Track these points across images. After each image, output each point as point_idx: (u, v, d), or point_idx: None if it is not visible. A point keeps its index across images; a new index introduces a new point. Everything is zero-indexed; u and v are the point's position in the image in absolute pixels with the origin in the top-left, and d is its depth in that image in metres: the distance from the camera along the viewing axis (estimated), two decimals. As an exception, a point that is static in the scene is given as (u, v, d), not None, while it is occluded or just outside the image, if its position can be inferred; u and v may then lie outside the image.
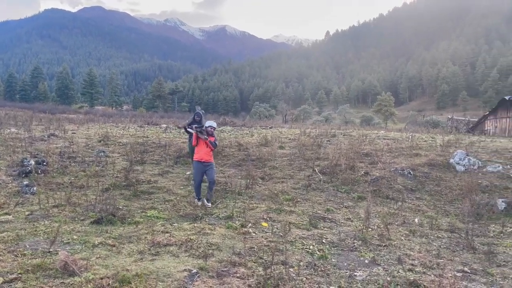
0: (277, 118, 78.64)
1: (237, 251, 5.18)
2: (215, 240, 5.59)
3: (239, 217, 6.91)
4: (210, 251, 5.12)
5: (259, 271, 4.55)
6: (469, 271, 5.04)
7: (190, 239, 5.53)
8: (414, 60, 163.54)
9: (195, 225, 6.36)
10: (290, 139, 16.17)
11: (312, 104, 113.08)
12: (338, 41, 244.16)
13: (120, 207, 7.18)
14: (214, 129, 8.24)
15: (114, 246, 5.15)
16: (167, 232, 5.83)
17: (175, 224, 6.38)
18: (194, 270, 4.40)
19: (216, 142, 8.31)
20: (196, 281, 4.15)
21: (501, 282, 4.69)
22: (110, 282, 3.82)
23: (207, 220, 6.74)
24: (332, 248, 5.64)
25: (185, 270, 4.39)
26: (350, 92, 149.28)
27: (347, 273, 4.72)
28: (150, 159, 12.41)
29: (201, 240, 5.53)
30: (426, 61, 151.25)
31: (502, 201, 8.29)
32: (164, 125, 25.61)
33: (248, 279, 4.30)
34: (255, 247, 5.40)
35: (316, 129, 19.07)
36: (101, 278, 3.89)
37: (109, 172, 10.24)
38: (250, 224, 6.49)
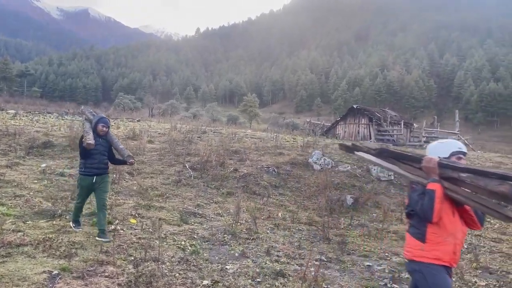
0: (143, 111, 75.96)
1: (104, 249, 4.86)
2: (79, 238, 5.16)
3: (105, 213, 6.49)
4: (73, 250, 4.70)
5: (129, 269, 4.35)
6: (325, 259, 5.60)
7: (49, 238, 4.99)
8: (278, 65, 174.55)
9: (54, 222, 5.76)
10: (159, 133, 15.78)
11: (180, 100, 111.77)
12: (208, 39, 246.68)
13: (-43, 203, 6.11)
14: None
15: (-50, 249, 4.36)
16: (19, 231, 5.16)
17: (29, 222, 5.68)
18: (55, 272, 3.99)
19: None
20: (58, 283, 3.77)
21: (351, 268, 5.33)
22: (-51, 291, 3.22)
23: (67, 218, 6.15)
24: (204, 243, 5.70)
25: (44, 272, 3.95)
26: (218, 91, 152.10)
27: (219, 267, 4.82)
28: (-5, 149, 10.81)
29: (61, 238, 5.03)
30: (288, 67, 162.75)
31: (350, 197, 9.41)
32: (13, 111, 22.57)
33: (117, 278, 4.08)
34: (124, 244, 5.14)
35: (186, 125, 19.00)
36: None
37: None
38: (117, 221, 6.15)
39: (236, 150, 12.74)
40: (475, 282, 5.09)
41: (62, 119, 20.11)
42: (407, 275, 5.14)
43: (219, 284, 4.27)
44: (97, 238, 5.22)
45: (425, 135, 30.79)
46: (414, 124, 37.26)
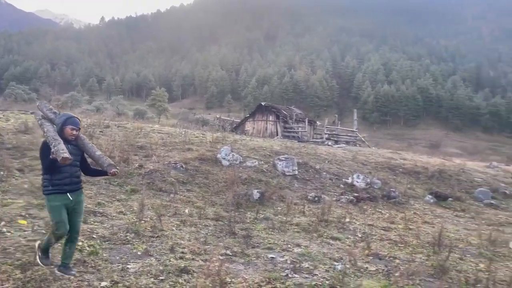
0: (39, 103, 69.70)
1: (-14, 255, 4.37)
2: (-46, 244, 4.57)
3: (-11, 215, 5.83)
4: None
5: (16, 274, 3.97)
6: (231, 253, 5.66)
7: None
8: (188, 60, 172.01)
9: None
10: (56, 127, 14.61)
11: (82, 92, 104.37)
12: (114, 29, 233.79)
13: None
14: None
15: None
16: None
17: None
18: None
19: None
20: None
21: (255, 261, 5.45)
22: None
23: None
24: (104, 243, 5.40)
25: None
26: (124, 83, 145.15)
27: (119, 267, 4.61)
28: None
29: None
30: (199, 62, 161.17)
31: (257, 192, 9.63)
32: None
33: (2, 285, 3.69)
34: (11, 248, 4.67)
35: (88, 119, 17.81)
36: None
37: None
38: (3, 223, 5.57)
39: (142, 146, 12.30)
40: (367, 267, 5.53)
41: None
42: (307, 265, 5.41)
43: (119, 284, 4.09)
44: (58, 272, 4.19)
45: (326, 132, 32.67)
46: (317, 122, 39.33)
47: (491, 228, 8.84)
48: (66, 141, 4.15)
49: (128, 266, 4.66)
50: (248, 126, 35.23)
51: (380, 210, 10.21)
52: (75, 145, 4.34)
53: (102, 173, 4.51)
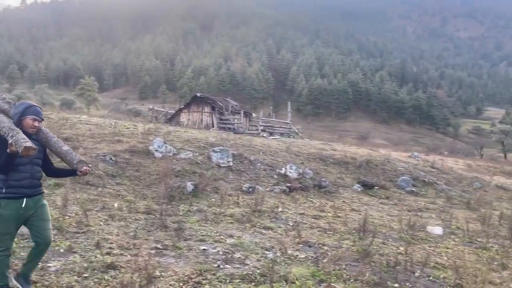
0: (-50, 91, 63.45)
1: None
2: None
3: None
4: None
5: None
6: (161, 247, 5.53)
7: None
8: (120, 48, 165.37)
9: None
10: (-31, 117, 13.35)
11: (0, 79, 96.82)
12: (37, 13, 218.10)
13: None
14: None
15: None
16: None
17: None
18: None
19: None
20: None
21: (187, 254, 5.38)
22: None
23: None
24: (22, 241, 5.02)
25: None
26: (49, 71, 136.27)
27: (39, 266, 4.31)
28: None
29: None
30: (131, 51, 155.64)
31: (191, 184, 9.51)
32: None
33: None
34: None
35: (6, 108, 16.53)
36: None
37: None
38: None
39: (68, 137, 11.61)
40: (297, 255, 5.68)
41: None
42: (239, 255, 5.44)
43: (37, 284, 3.83)
44: (14, 281, 3.62)
45: (262, 124, 33.10)
46: (253, 114, 39.70)
47: (411, 213, 9.49)
48: (26, 135, 3.33)
49: (48, 264, 4.39)
50: (183, 117, 34.70)
51: (311, 199, 10.54)
52: (36, 139, 3.55)
53: (69, 173, 3.78)
